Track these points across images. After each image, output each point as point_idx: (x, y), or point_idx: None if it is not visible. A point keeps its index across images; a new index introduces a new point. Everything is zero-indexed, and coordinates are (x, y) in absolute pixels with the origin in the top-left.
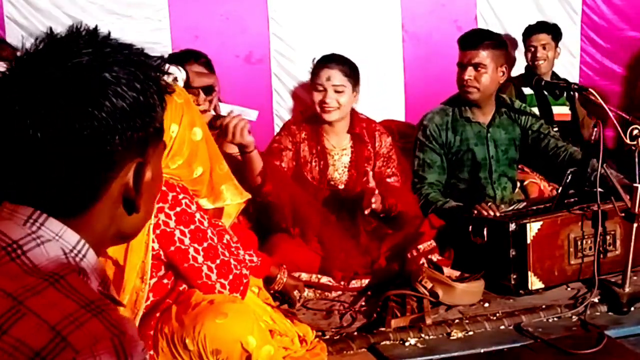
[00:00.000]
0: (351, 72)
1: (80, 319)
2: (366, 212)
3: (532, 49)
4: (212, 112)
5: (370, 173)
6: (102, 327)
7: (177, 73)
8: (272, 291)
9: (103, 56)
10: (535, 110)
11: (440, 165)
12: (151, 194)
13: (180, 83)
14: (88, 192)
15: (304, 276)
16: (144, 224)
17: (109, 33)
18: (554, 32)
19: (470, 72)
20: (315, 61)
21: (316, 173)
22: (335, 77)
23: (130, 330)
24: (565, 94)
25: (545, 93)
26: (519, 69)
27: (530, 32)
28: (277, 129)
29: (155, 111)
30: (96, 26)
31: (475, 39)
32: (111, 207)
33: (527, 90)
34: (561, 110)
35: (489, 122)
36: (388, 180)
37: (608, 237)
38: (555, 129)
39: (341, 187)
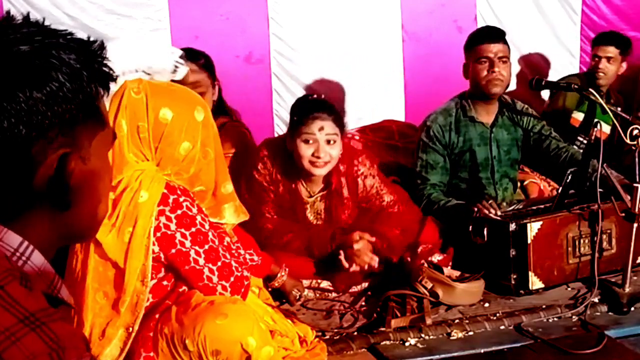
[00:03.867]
0: (341, 119)
1: (17, 334)
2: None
3: (596, 59)
4: None
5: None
6: (41, 342)
7: (182, 69)
8: (270, 289)
9: (23, 43)
10: (580, 115)
11: (443, 166)
12: (92, 187)
13: (179, 77)
14: (15, 189)
15: (305, 282)
16: (95, 221)
17: (44, 20)
18: (624, 45)
19: (499, 65)
20: (297, 107)
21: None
22: (328, 126)
23: (70, 344)
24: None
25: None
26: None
27: (600, 40)
28: (277, 129)
29: (86, 99)
30: (28, 13)
31: (497, 32)
32: (46, 204)
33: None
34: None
35: (492, 122)
36: (390, 210)
37: (604, 236)
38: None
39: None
